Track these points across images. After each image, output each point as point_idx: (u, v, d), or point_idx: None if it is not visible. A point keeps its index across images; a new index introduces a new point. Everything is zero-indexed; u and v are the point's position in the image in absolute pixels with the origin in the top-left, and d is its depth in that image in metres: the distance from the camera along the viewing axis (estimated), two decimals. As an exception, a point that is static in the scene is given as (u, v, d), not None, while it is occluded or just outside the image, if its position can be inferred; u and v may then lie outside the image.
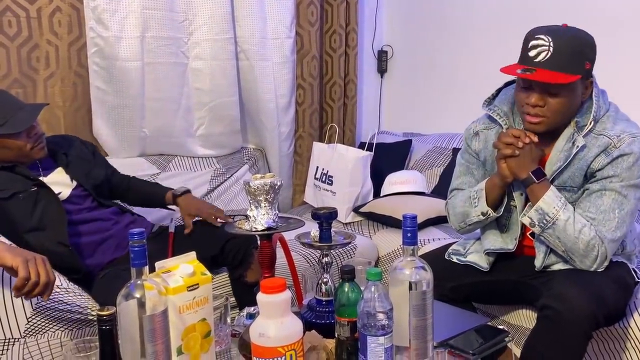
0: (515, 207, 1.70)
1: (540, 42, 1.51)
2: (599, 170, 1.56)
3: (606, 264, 1.56)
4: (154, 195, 2.16)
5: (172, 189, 2.14)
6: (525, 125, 1.61)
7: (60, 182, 1.92)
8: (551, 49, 1.49)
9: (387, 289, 1.21)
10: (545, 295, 1.53)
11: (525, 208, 1.62)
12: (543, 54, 1.50)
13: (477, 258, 1.78)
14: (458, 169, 1.84)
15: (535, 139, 1.57)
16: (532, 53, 1.52)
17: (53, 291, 1.61)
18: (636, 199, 1.56)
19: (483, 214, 1.69)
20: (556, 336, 1.46)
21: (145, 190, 2.18)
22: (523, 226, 1.70)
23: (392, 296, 1.19)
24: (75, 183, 1.95)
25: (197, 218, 2.06)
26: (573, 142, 1.58)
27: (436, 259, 1.75)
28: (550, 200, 1.54)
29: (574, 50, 1.51)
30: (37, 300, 1.59)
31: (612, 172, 1.54)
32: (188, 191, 2.13)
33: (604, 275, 1.54)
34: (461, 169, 1.83)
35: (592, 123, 1.56)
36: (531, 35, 1.55)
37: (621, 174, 1.54)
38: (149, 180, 2.54)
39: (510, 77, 1.66)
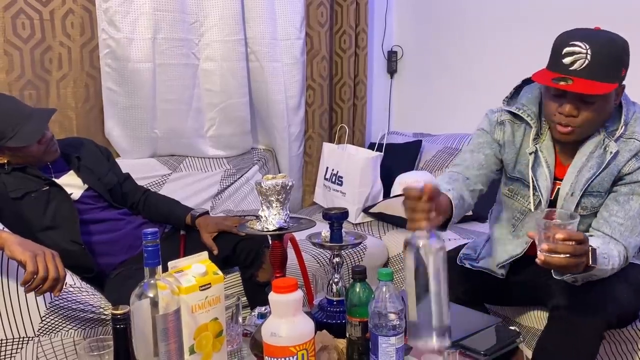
0: (530, 209, 1.64)
1: (576, 48, 1.40)
2: (629, 174, 1.51)
3: (625, 265, 1.53)
4: (172, 216, 2.10)
5: (191, 210, 2.08)
6: (555, 134, 1.55)
7: (71, 184, 1.93)
8: (589, 56, 1.39)
9: (399, 289, 1.21)
10: (557, 295, 1.51)
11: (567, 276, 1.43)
12: (580, 62, 1.40)
13: (490, 263, 1.77)
14: (471, 142, 1.72)
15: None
16: (566, 60, 1.41)
17: (67, 290, 1.63)
18: None
19: None
20: (568, 336, 1.45)
21: (163, 211, 2.12)
22: None
23: (407, 270, 1.13)
24: (86, 186, 1.96)
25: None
26: (604, 148, 1.51)
27: (448, 264, 1.73)
28: (601, 267, 1.37)
29: (612, 58, 1.42)
30: (51, 299, 1.60)
31: None
32: (207, 212, 2.09)
33: (618, 276, 1.51)
34: (473, 145, 1.71)
35: (624, 127, 1.50)
36: (565, 40, 1.44)
37: None
38: (162, 181, 2.56)
39: (528, 75, 1.59)
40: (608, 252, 1.42)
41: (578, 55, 1.40)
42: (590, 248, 1.32)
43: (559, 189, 1.60)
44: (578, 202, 1.56)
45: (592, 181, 1.54)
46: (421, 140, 3.15)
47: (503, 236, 1.75)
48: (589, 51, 1.39)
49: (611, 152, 1.50)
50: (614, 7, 2.52)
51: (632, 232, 1.50)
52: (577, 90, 1.40)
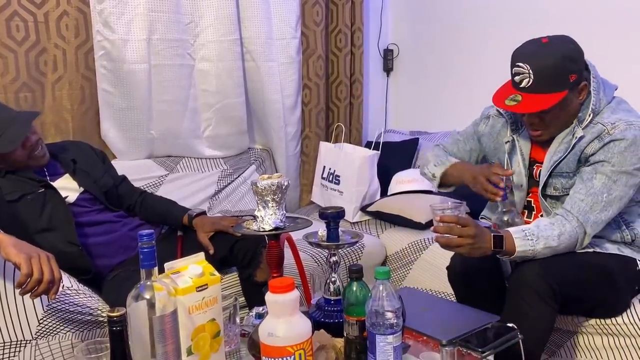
0: (521, 185, 1.76)
1: (520, 69, 1.57)
2: (592, 155, 1.60)
3: (587, 241, 1.60)
4: (169, 217, 2.10)
5: (188, 210, 2.08)
6: (531, 136, 1.72)
7: (67, 187, 1.93)
8: (531, 74, 1.54)
9: (397, 287, 1.22)
10: (512, 270, 1.64)
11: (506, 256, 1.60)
12: (525, 81, 1.56)
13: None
14: (461, 132, 1.98)
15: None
16: (516, 79, 1.58)
17: (64, 293, 1.63)
18: (626, 185, 1.58)
19: (433, 175, 1.89)
20: (515, 300, 1.54)
21: (160, 212, 2.12)
22: (527, 205, 1.78)
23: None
24: (82, 189, 1.96)
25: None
26: (573, 134, 1.63)
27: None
28: (523, 248, 1.54)
29: (555, 70, 1.55)
30: (48, 301, 1.60)
31: (603, 157, 1.58)
32: (204, 212, 2.10)
33: (574, 257, 1.59)
34: (460, 135, 1.97)
35: (591, 115, 1.61)
36: (512, 61, 1.60)
37: (611, 158, 1.56)
38: (159, 182, 2.56)
39: None
40: (539, 233, 1.54)
41: (522, 75, 1.57)
42: (491, 234, 1.51)
43: (540, 170, 1.72)
44: (548, 182, 1.69)
45: (558, 163, 1.66)
46: (418, 138, 3.15)
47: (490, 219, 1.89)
48: (530, 71, 1.55)
49: (576, 137, 1.61)
50: (609, 6, 2.52)
51: (592, 208, 1.58)
52: (522, 110, 1.59)
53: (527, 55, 1.57)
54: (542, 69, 1.54)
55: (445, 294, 2.19)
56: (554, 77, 1.54)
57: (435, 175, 1.88)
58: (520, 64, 1.56)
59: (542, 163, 1.71)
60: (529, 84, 1.55)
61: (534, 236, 1.54)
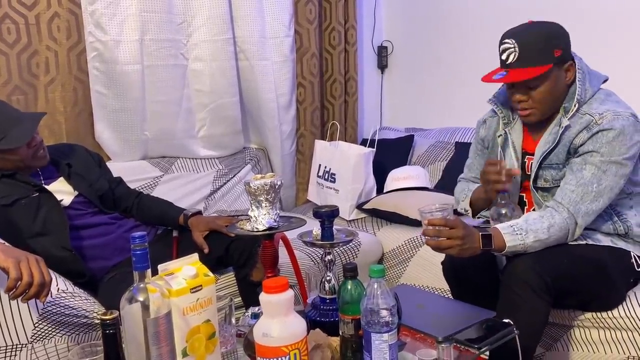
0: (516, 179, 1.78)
1: (506, 45, 1.63)
2: (581, 145, 1.61)
3: (579, 232, 1.61)
4: (166, 218, 2.11)
5: (184, 210, 2.09)
6: (520, 118, 1.75)
7: (62, 190, 1.92)
8: (516, 48, 1.60)
9: (392, 285, 1.21)
10: (506, 264, 1.65)
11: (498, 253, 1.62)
12: (512, 56, 1.61)
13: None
14: (470, 152, 2.01)
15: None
16: (503, 57, 1.64)
17: (59, 296, 1.62)
18: (616, 175, 1.59)
19: (466, 210, 1.91)
20: (508, 293, 1.54)
21: (156, 213, 2.12)
22: (520, 200, 1.78)
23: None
24: (77, 192, 1.95)
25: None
26: (560, 125, 1.65)
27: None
28: (513, 243, 1.55)
29: (538, 43, 1.60)
30: (43, 305, 1.59)
31: (591, 147, 1.59)
32: (199, 212, 2.10)
33: (566, 250, 1.59)
34: (471, 153, 2.00)
35: (577, 105, 1.62)
36: (501, 40, 1.66)
37: (600, 148, 1.58)
38: (154, 183, 2.55)
39: None
40: (528, 226, 1.55)
41: (509, 51, 1.62)
42: (479, 234, 1.52)
43: (532, 163, 1.73)
44: (539, 174, 1.70)
45: (547, 154, 1.67)
46: (413, 135, 3.15)
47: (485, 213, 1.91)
48: (516, 45, 1.60)
49: (562, 127, 1.63)
50: (607, 5, 2.51)
51: (583, 199, 1.59)
52: (509, 80, 1.63)
53: (513, 33, 1.64)
54: (527, 42, 1.59)
55: (442, 290, 2.19)
56: (539, 50, 1.59)
57: (467, 209, 1.91)
58: (507, 40, 1.62)
59: (533, 155, 1.72)
60: (515, 59, 1.60)
61: (523, 230, 1.55)
